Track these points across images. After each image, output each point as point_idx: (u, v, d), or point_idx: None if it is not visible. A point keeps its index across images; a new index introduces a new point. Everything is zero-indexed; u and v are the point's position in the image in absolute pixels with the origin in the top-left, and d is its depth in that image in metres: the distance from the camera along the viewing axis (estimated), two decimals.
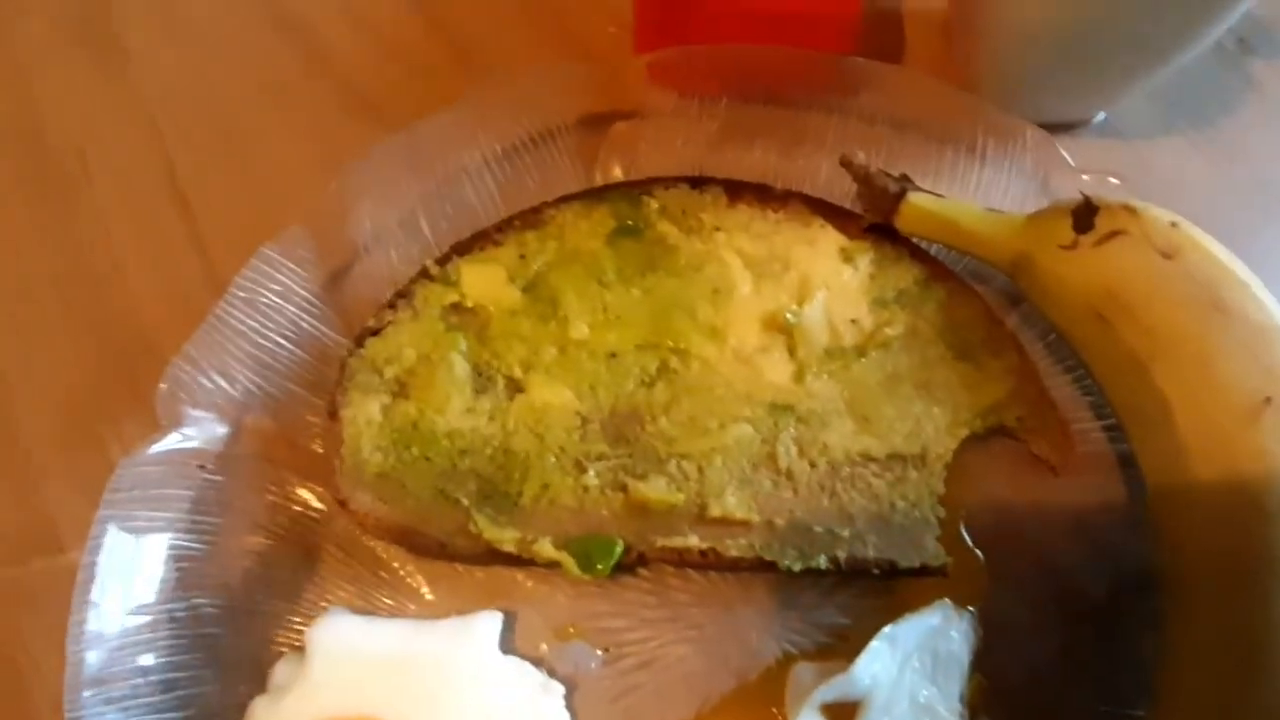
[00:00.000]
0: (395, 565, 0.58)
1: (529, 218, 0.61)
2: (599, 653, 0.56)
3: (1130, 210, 0.57)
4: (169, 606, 0.56)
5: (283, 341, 0.61)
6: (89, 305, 0.67)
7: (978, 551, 0.59)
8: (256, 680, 0.55)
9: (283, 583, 0.58)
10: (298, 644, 0.55)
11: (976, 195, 0.66)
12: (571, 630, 0.57)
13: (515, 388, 0.58)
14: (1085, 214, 0.58)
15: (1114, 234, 0.57)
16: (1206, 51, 0.73)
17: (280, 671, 0.55)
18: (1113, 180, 0.65)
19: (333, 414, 0.57)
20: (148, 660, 0.55)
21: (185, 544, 0.58)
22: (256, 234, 0.62)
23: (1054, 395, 0.61)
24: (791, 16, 0.65)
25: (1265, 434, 0.52)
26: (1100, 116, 0.74)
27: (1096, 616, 0.58)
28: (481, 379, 0.58)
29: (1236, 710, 0.51)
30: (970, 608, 0.57)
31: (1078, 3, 0.61)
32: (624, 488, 0.55)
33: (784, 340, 0.59)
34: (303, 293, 0.62)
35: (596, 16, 0.74)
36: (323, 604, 0.57)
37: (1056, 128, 0.71)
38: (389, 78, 0.73)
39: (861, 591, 0.58)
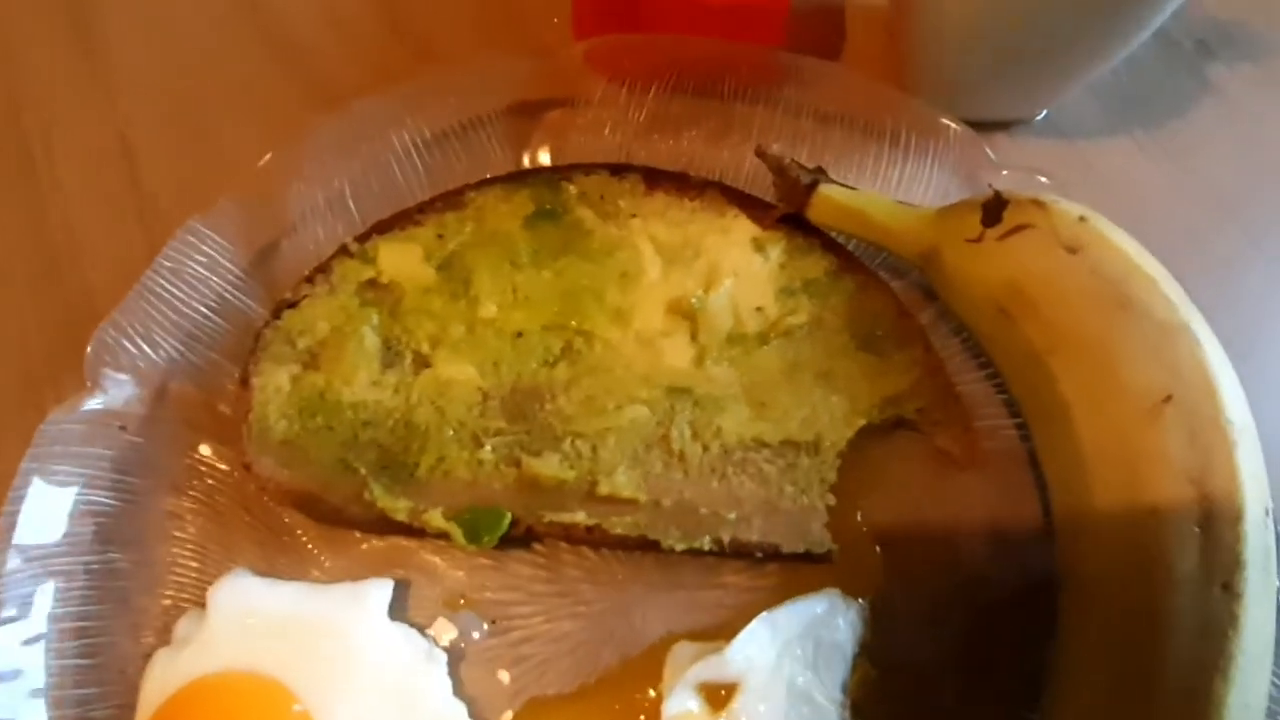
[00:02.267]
0: (299, 532, 0.59)
1: (450, 199, 0.62)
2: (485, 624, 0.56)
3: (1038, 204, 0.56)
4: (84, 559, 0.58)
5: (207, 312, 0.63)
6: (43, 272, 0.69)
7: (875, 544, 0.58)
8: (161, 633, 0.57)
9: (193, 542, 0.59)
10: (201, 601, 0.56)
11: (899, 191, 0.66)
12: (462, 601, 0.57)
13: (422, 363, 0.58)
14: (994, 208, 0.57)
15: (1020, 228, 0.56)
16: (1161, 53, 0.72)
17: (183, 626, 0.56)
18: (1041, 179, 0.64)
19: (244, 381, 0.57)
20: (60, 609, 0.56)
21: (103, 500, 0.59)
22: (198, 208, 0.63)
23: (967, 392, 0.61)
24: (723, 9, 0.65)
25: (1165, 435, 0.51)
26: (1043, 115, 0.73)
27: (997, 615, 0.57)
28: (390, 353, 0.58)
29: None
30: (861, 599, 0.56)
31: (1010, 1, 0.60)
32: (518, 463, 0.56)
33: (687, 325, 0.59)
34: (229, 265, 0.63)
35: (542, 6, 0.74)
36: (228, 565, 0.57)
37: (997, 126, 0.71)
38: (341, 62, 0.74)
39: (752, 577, 0.58)
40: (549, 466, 0.55)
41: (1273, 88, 0.75)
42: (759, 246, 0.61)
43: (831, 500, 0.56)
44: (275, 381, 0.58)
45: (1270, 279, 0.68)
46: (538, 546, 0.58)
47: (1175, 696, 0.48)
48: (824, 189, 0.60)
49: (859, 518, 0.58)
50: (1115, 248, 0.55)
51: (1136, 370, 0.52)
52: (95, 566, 0.58)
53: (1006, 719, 0.54)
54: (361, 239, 0.61)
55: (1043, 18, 0.61)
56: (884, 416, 0.58)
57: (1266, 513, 0.51)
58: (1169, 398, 0.51)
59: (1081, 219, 0.55)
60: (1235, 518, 0.50)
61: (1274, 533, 0.51)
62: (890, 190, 0.65)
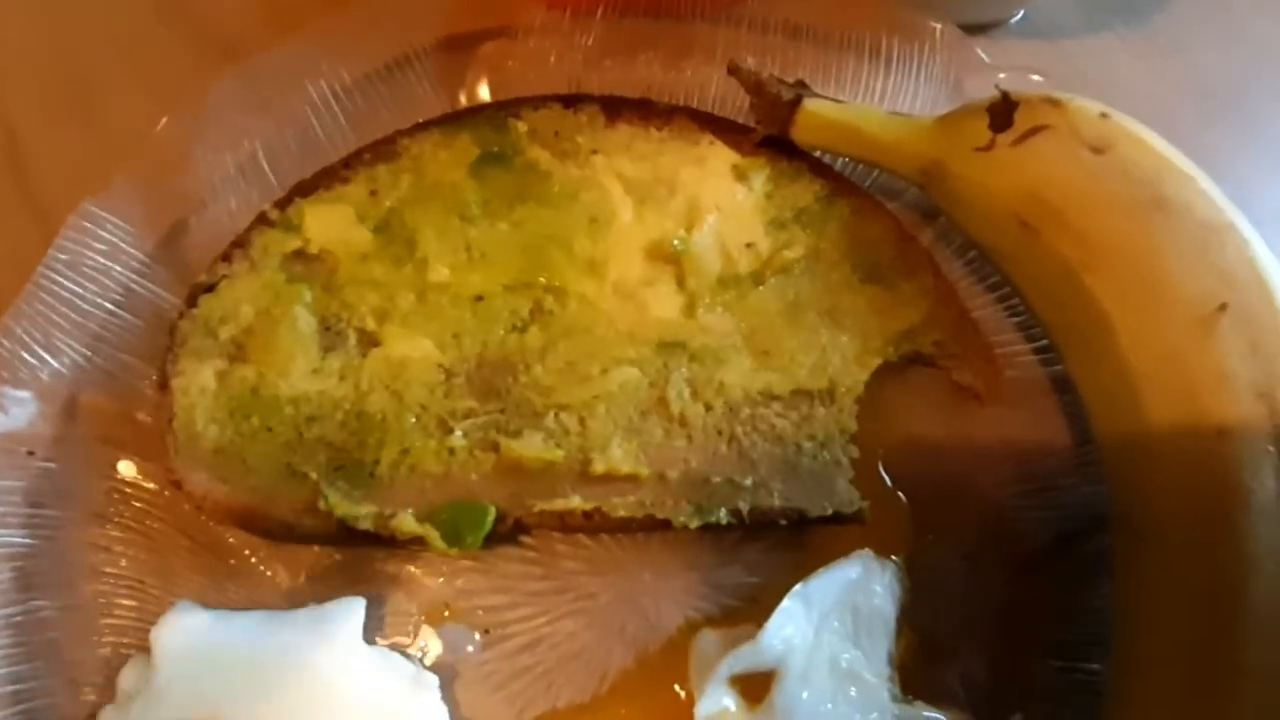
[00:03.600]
0: (246, 552, 0.50)
1: (380, 149, 0.52)
2: (478, 635, 0.48)
3: (1054, 102, 0.49)
4: (6, 611, 0.49)
5: (112, 307, 0.53)
6: None
7: (900, 495, 0.52)
8: (105, 686, 0.48)
9: (126, 577, 0.51)
10: (145, 645, 0.47)
11: (883, 105, 0.57)
12: (447, 613, 0.49)
13: (369, 341, 0.49)
14: (1003, 111, 0.49)
15: (1036, 130, 0.49)
16: None
17: (127, 676, 0.47)
18: (1035, 78, 0.55)
19: (163, 385, 0.48)
20: None
21: (19, 540, 0.50)
22: (92, 190, 0.53)
23: (977, 317, 0.54)
24: None
25: (1224, 346, 0.44)
26: (1019, 15, 0.64)
27: (1041, 563, 0.51)
28: (330, 334, 0.49)
29: (1209, 669, 0.43)
30: (895, 558, 0.49)
31: None
32: (495, 447, 0.47)
33: (672, 271, 0.51)
34: (132, 251, 0.53)
35: None
36: (171, 598, 0.48)
37: (971, 30, 0.62)
38: (236, 11, 0.63)
39: (771, 546, 0.50)
40: (532, 447, 0.47)
41: None
42: (740, 175, 0.53)
43: (855, 452, 0.48)
44: (199, 381, 0.48)
45: (1267, 171, 0.61)
46: (525, 540, 0.50)
47: (1267, 638, 0.40)
48: (809, 105, 0.52)
49: (880, 468, 0.50)
50: (1145, 145, 0.48)
51: (1184, 277, 0.46)
52: (18, 618, 0.49)
53: (1062, 675, 0.48)
54: (282, 204, 0.51)
55: None
56: (900, 353, 0.51)
57: None
58: (1223, 305, 0.44)
59: (1104, 115, 0.48)
60: None
61: None
62: (874, 102, 0.57)
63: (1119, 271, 0.47)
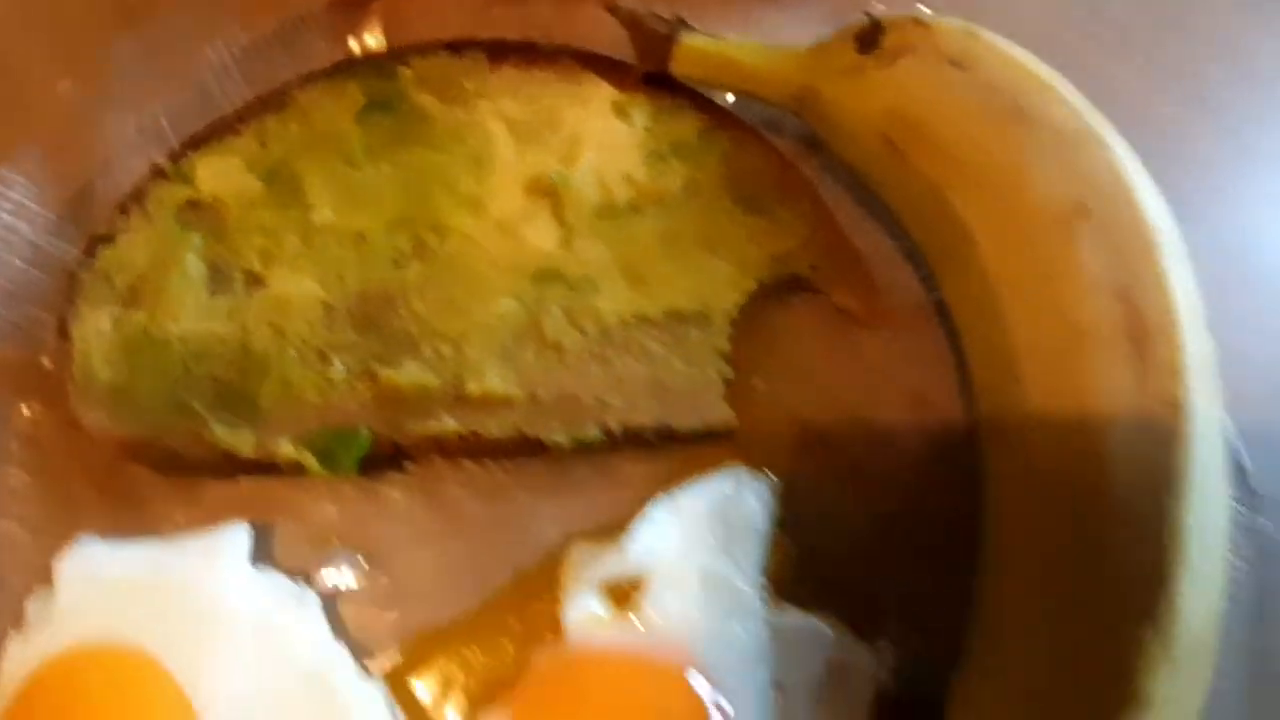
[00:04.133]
0: (144, 488, 0.51)
1: (270, 101, 0.54)
2: (362, 559, 0.49)
3: (919, 23, 0.50)
4: None
5: (21, 264, 0.54)
6: None
7: (782, 417, 0.52)
8: (12, 619, 0.50)
9: (32, 516, 0.52)
10: (50, 579, 0.49)
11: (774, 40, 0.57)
12: (334, 539, 0.49)
13: (256, 283, 0.50)
14: (870, 34, 0.50)
15: (902, 50, 0.49)
16: None
17: (32, 608, 0.49)
18: (923, 9, 0.55)
19: (62, 331, 0.49)
20: None
21: None
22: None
23: (861, 246, 0.54)
24: None
25: (1082, 249, 0.44)
26: None
27: (919, 475, 0.52)
28: (219, 278, 0.50)
29: (1070, 569, 0.43)
30: (770, 474, 0.48)
31: None
32: (373, 376, 0.48)
33: (550, 204, 0.51)
34: (39, 211, 0.54)
35: None
36: (74, 534, 0.49)
37: None
38: None
39: (652, 466, 0.51)
40: (408, 375, 0.48)
41: None
42: (621, 112, 0.54)
43: (729, 372, 0.49)
44: (96, 326, 0.50)
45: (1169, 102, 0.60)
46: (411, 467, 0.51)
47: (1126, 528, 0.41)
48: (686, 39, 0.53)
49: (761, 389, 0.51)
50: (1007, 57, 0.49)
51: (1043, 185, 0.46)
52: None
53: (943, 583, 0.47)
54: (175, 157, 0.53)
55: None
56: (776, 276, 0.51)
57: (1202, 322, 0.44)
58: (1082, 209, 0.44)
59: (968, 32, 0.49)
60: (1170, 328, 0.44)
61: (1209, 342, 0.45)
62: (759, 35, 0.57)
63: (979, 184, 0.47)
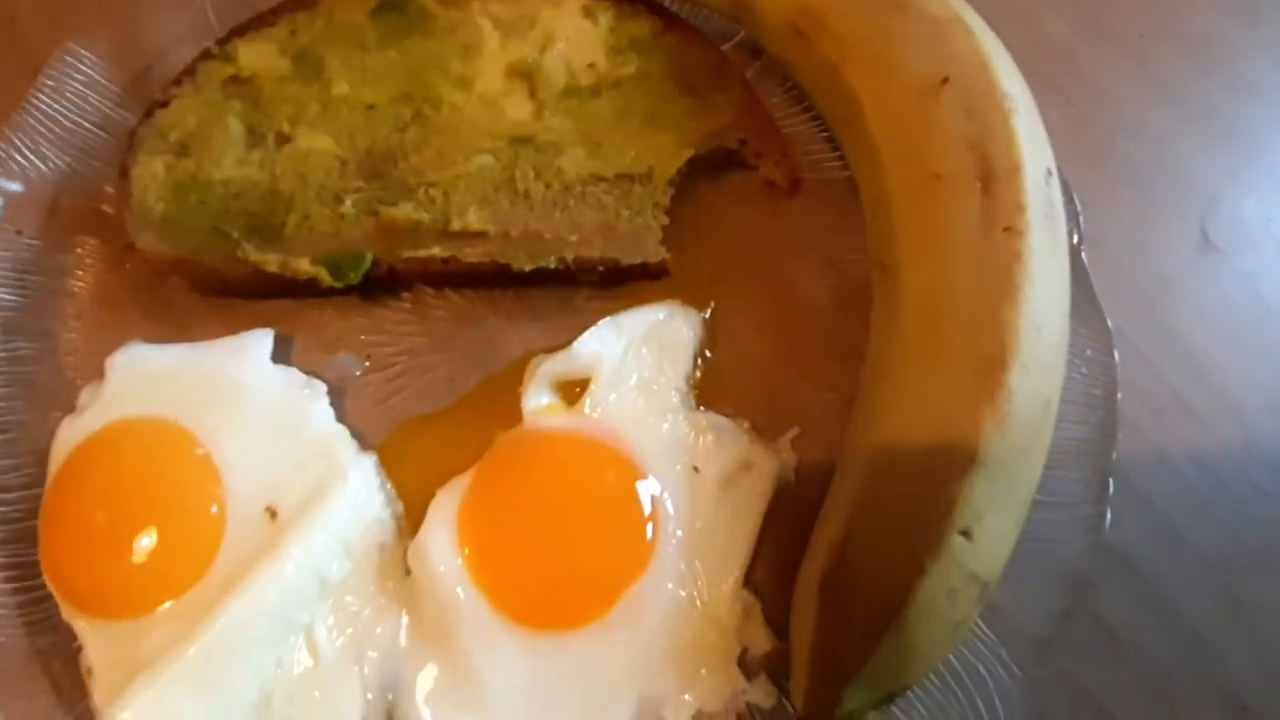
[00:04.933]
0: (184, 308, 0.61)
1: (301, 1, 0.63)
2: (365, 361, 0.58)
3: None
4: None
5: (90, 128, 0.64)
6: None
7: (712, 269, 0.61)
8: (69, 407, 0.59)
9: (90, 326, 0.62)
10: (102, 375, 0.58)
11: None
12: (341, 347, 0.58)
13: (283, 140, 0.60)
14: None
15: None
16: None
17: (85, 395, 0.58)
18: None
19: (123, 173, 0.59)
20: None
21: (7, 297, 0.61)
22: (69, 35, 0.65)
23: (792, 133, 0.64)
24: None
25: (944, 111, 0.54)
26: None
27: (825, 316, 0.61)
28: (254, 136, 0.60)
29: (922, 366, 0.52)
30: (699, 310, 0.58)
31: None
32: (376, 213, 0.58)
33: (526, 84, 0.61)
34: (107, 84, 0.64)
35: None
36: (124, 342, 0.58)
37: None
38: None
39: (605, 301, 0.61)
40: (404, 212, 0.58)
41: None
42: (589, 14, 0.64)
43: (665, 220, 0.58)
44: (151, 170, 0.60)
45: (1102, 50, 0.70)
46: (405, 295, 0.61)
47: (966, 322, 0.50)
48: None
49: (694, 241, 0.60)
50: None
51: (914, 61, 0.55)
52: (1, 356, 0.59)
53: (834, 402, 0.58)
54: (221, 42, 0.63)
55: None
56: (709, 148, 0.61)
57: (1049, 172, 0.54)
58: (945, 79, 0.54)
59: None
60: (1014, 171, 0.53)
61: (1059, 190, 0.54)
62: None
63: (865, 61, 0.57)
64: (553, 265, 0.57)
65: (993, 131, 0.53)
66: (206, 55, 0.63)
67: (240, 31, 0.64)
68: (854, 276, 0.61)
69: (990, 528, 0.49)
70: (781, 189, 0.62)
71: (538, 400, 0.55)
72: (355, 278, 0.57)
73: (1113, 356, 0.57)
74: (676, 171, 0.60)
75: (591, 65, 0.62)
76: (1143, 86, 0.68)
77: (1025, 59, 0.56)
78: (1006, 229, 0.51)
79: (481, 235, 0.58)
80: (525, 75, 0.62)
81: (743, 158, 0.62)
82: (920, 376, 0.52)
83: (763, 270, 0.61)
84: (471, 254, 0.57)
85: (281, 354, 0.59)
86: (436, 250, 0.57)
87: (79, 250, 0.63)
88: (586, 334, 0.55)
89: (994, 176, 0.52)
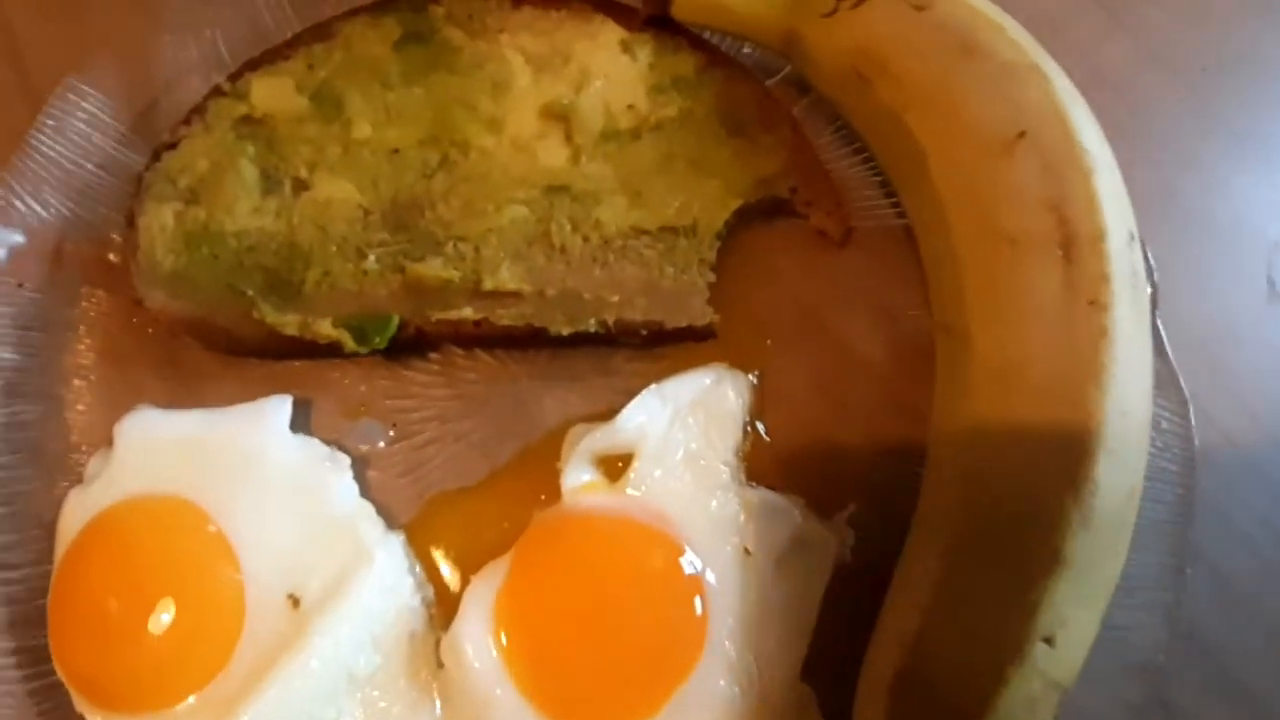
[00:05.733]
0: (197, 365, 0.57)
1: (318, 31, 0.58)
2: (388, 431, 0.53)
3: None
4: None
5: (94, 169, 0.58)
6: None
7: (761, 325, 0.57)
8: (75, 475, 0.55)
9: (96, 386, 0.57)
10: (110, 442, 0.53)
11: None
12: (363, 409, 0.54)
13: (301, 187, 0.55)
14: None
15: None
16: None
17: (93, 464, 0.54)
18: None
19: (130, 222, 0.54)
20: None
21: (7, 356, 0.57)
22: (72, 68, 0.59)
23: (843, 176, 0.59)
24: None
25: (1019, 168, 0.48)
26: None
27: (881, 377, 0.56)
28: (269, 182, 0.55)
29: (1001, 451, 0.47)
30: (748, 374, 0.53)
31: None
32: (402, 270, 0.52)
33: (561, 127, 0.56)
34: (111, 122, 0.59)
35: None
36: (133, 403, 0.54)
37: None
38: None
39: (645, 362, 0.56)
40: (432, 269, 0.53)
41: None
42: (627, 49, 0.58)
43: (712, 277, 0.53)
44: (159, 220, 0.55)
45: (1146, 67, 0.64)
46: (433, 355, 0.56)
47: (1050, 410, 0.45)
48: None
49: (742, 297, 0.55)
50: (960, 1, 0.51)
51: (986, 111, 0.50)
52: (4, 421, 0.56)
53: (896, 471, 0.52)
54: (233, 78, 0.57)
55: None
56: (758, 197, 0.55)
57: (1131, 235, 0.49)
58: (1021, 134, 0.48)
59: None
60: (1097, 238, 0.48)
61: (1141, 255, 0.48)
62: None
63: (931, 110, 0.51)
64: (592, 329, 0.52)
65: (1073, 193, 0.48)
66: (217, 92, 0.58)
67: (253, 65, 0.58)
68: (913, 334, 0.56)
69: (1073, 631, 0.44)
70: (833, 239, 0.56)
71: (578, 477, 0.50)
72: (381, 343, 0.52)
73: (1190, 429, 0.52)
74: (724, 223, 0.54)
75: (631, 106, 0.57)
76: (1203, 121, 0.62)
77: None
78: (1091, 302, 0.47)
79: (515, 295, 0.53)
80: (560, 117, 0.56)
81: (791, 206, 0.56)
82: (996, 460, 0.47)
83: (813, 327, 0.56)
84: (505, 316, 0.52)
85: (300, 420, 0.54)
86: (467, 312, 0.52)
87: (85, 304, 0.58)
88: (630, 406, 0.51)
89: (1076, 243, 0.48)
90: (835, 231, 0.56)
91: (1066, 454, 0.45)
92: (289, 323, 0.52)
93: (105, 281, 0.58)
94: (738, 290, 0.57)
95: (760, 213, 0.57)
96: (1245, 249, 0.60)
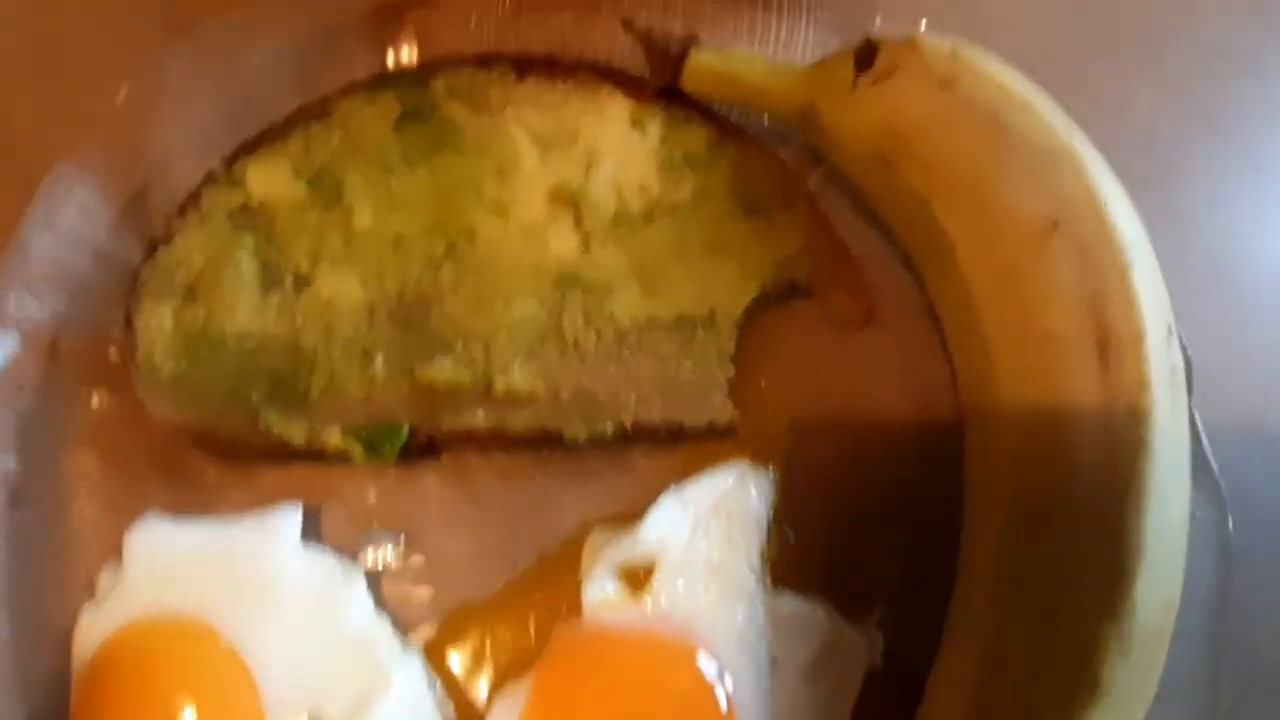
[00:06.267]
0: (204, 472, 0.54)
1: (315, 110, 0.55)
2: (400, 540, 0.51)
3: (909, 44, 0.50)
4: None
5: (87, 262, 0.55)
6: None
7: (781, 414, 0.54)
8: (86, 589, 0.52)
9: (103, 493, 0.55)
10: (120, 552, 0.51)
11: (782, 54, 0.57)
12: (374, 521, 0.52)
13: (303, 282, 0.52)
14: (865, 54, 0.51)
15: (893, 70, 0.49)
16: None
17: (105, 579, 0.52)
18: (921, 21, 0.56)
19: (128, 322, 0.51)
20: None
21: (9, 463, 0.54)
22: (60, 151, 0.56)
23: (861, 254, 0.56)
24: None
25: (1054, 262, 0.45)
26: None
27: (908, 466, 0.53)
28: (270, 277, 0.52)
29: (1037, 570, 0.45)
30: (770, 467, 0.51)
31: None
32: (411, 372, 0.50)
33: (570, 212, 0.52)
34: (102, 212, 0.56)
35: None
36: (140, 512, 0.51)
37: None
38: None
39: (663, 458, 0.53)
40: (443, 371, 0.50)
41: None
42: (637, 122, 0.55)
43: (731, 371, 0.51)
44: (157, 321, 0.52)
45: (1165, 107, 0.60)
46: (445, 457, 0.53)
47: (1088, 527, 0.43)
48: (695, 56, 0.54)
49: (763, 388, 0.53)
50: (988, 78, 0.49)
51: (1016, 199, 0.47)
52: (9, 532, 0.53)
53: (929, 570, 0.50)
54: (228, 163, 0.54)
55: None
56: (777, 281, 0.52)
57: (1170, 331, 0.46)
58: (1055, 224, 0.45)
59: (954, 53, 0.49)
60: (1136, 339, 0.45)
61: (1180, 350, 0.45)
62: (770, 51, 0.57)
63: (959, 197, 0.48)
64: (609, 433, 0.49)
65: (1111, 290, 0.46)
66: (211, 180, 0.54)
67: (249, 149, 0.55)
68: (938, 419, 0.53)
69: None
70: (854, 321, 0.53)
71: (600, 590, 0.48)
72: (391, 453, 0.50)
73: (1226, 522, 0.49)
74: (743, 311, 0.51)
75: (643, 187, 0.54)
76: (1231, 160, 0.59)
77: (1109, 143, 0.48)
78: (1130, 410, 0.44)
79: (529, 398, 0.50)
80: (569, 201, 0.53)
81: (810, 288, 0.53)
82: (1030, 577, 0.45)
83: (836, 414, 0.54)
84: (519, 421, 0.50)
85: (311, 528, 0.52)
86: (480, 417, 0.50)
87: (86, 405, 0.56)
88: (650, 516, 0.48)
89: (1113, 344, 0.45)
90: (856, 313, 0.54)
91: (1104, 576, 0.43)
92: (296, 433, 0.50)
93: (106, 379, 0.55)
94: (755, 378, 0.54)
95: (776, 296, 0.54)
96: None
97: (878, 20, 0.56)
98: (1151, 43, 0.62)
